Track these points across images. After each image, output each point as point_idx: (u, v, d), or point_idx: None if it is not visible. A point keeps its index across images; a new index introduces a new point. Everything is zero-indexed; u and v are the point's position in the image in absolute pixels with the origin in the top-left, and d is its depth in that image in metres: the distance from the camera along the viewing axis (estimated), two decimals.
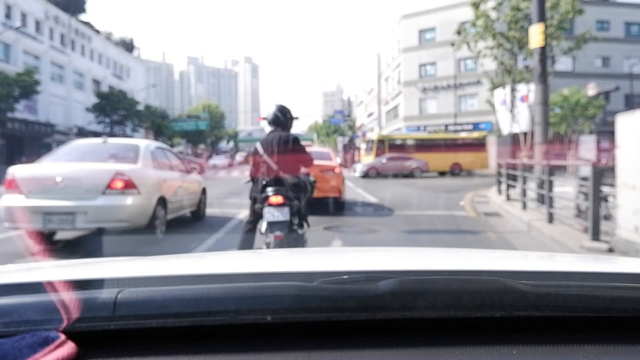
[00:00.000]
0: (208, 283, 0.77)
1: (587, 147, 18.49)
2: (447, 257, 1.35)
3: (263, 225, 3.96)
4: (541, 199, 8.27)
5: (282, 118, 4.36)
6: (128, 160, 5.83)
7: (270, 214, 3.82)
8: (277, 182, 4.02)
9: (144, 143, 6.53)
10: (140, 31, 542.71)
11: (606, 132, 29.63)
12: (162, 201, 6.02)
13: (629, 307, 0.75)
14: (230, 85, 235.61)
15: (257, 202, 4.03)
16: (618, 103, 34.97)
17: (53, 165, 5.54)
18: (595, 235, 5.24)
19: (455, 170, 26.33)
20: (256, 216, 4.15)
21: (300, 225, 4.18)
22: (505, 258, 1.38)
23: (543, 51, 8.38)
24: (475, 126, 37.83)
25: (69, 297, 0.69)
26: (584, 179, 5.82)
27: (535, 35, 8.37)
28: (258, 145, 4.28)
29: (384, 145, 27.38)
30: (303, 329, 0.73)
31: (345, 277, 0.78)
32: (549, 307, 0.74)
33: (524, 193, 8.49)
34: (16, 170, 5.38)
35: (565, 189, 8.01)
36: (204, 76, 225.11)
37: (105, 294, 0.71)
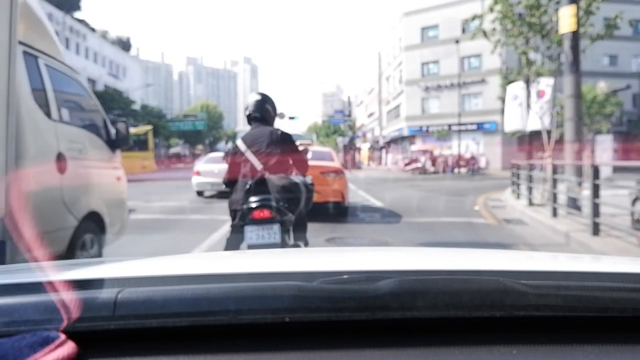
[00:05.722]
0: (208, 283, 0.75)
1: (604, 147, 17.57)
2: (447, 257, 1.31)
3: (244, 249, 2.91)
4: (572, 204, 7.27)
5: (273, 112, 3.51)
6: None
7: (254, 234, 2.77)
8: (262, 185, 3.01)
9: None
10: (139, 31, 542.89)
11: (620, 132, 28.69)
12: None
13: (629, 307, 0.75)
14: (230, 85, 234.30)
15: (237, 216, 3.00)
16: (626, 102, 34.06)
17: (210, 165, 11.84)
18: None
19: None
20: (237, 232, 3.12)
21: (296, 247, 3.13)
22: (505, 258, 1.32)
23: (575, 36, 7.36)
24: (480, 126, 36.86)
25: (69, 296, 0.68)
26: None
27: (566, 19, 7.36)
28: (239, 142, 3.30)
29: None
30: (303, 329, 0.72)
31: (345, 277, 0.77)
32: (549, 307, 0.73)
33: (554, 198, 7.44)
34: (199, 166, 12.22)
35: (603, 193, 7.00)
36: (203, 76, 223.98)
37: (106, 293, 0.70)
